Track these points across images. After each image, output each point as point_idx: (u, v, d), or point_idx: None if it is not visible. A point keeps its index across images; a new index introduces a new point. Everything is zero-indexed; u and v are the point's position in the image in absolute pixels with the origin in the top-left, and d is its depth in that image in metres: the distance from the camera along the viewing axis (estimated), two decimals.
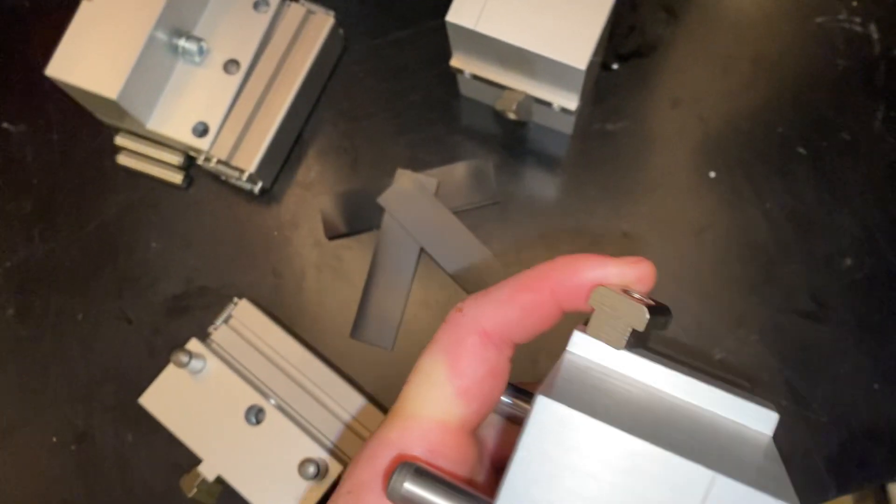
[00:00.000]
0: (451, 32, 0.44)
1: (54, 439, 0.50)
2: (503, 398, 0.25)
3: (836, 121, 0.52)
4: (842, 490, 0.46)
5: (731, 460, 0.20)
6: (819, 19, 0.53)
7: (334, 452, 0.43)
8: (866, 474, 0.47)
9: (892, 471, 0.46)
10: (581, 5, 0.42)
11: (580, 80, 0.43)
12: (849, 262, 0.49)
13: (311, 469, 0.41)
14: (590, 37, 0.41)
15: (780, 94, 0.53)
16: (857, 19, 0.53)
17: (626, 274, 0.23)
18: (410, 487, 0.20)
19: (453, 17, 0.43)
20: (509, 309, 0.24)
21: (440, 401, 0.23)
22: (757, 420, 0.24)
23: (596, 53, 0.48)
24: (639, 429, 0.19)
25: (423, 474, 0.21)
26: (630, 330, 0.22)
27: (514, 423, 0.27)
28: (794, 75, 0.53)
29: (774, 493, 0.19)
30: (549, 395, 0.19)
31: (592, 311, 0.22)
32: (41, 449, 0.50)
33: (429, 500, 0.20)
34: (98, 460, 0.49)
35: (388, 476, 0.21)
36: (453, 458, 0.23)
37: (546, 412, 0.19)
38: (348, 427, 0.45)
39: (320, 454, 0.42)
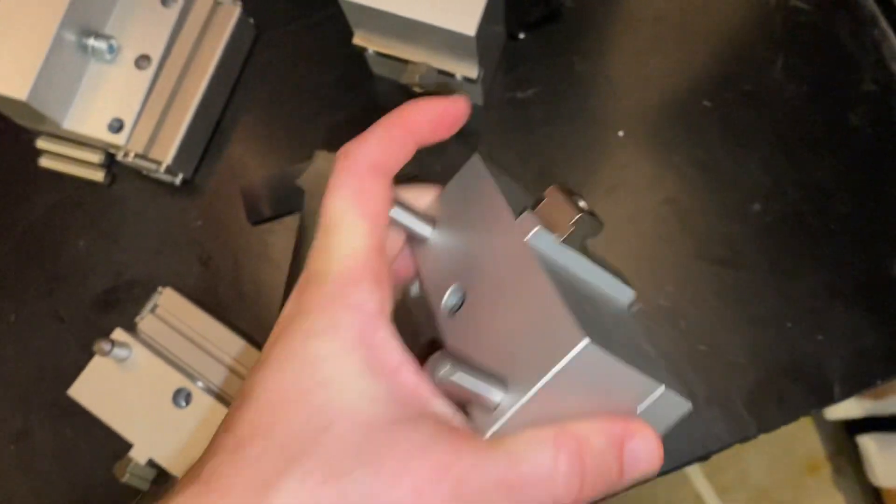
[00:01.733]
0: (346, 10, 0.46)
1: None
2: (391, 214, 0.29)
3: (738, 73, 0.53)
4: (762, 428, 0.48)
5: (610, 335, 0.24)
6: None
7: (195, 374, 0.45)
8: (785, 411, 0.48)
9: (807, 406, 0.48)
10: None
11: (473, 47, 0.44)
12: (757, 207, 0.51)
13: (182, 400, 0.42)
14: (477, 3, 0.43)
15: (684, 50, 0.54)
16: None
17: (445, 105, 0.29)
18: (455, 374, 0.23)
19: None
20: (387, 144, 0.28)
21: (359, 233, 0.26)
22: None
23: (496, 22, 0.50)
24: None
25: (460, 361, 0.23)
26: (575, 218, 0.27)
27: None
28: (696, 31, 0.54)
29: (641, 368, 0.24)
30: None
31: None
32: None
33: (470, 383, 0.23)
34: (38, 457, 0.50)
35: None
36: (385, 283, 0.26)
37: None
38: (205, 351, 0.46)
39: (183, 382, 0.44)
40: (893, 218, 0.50)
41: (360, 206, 0.26)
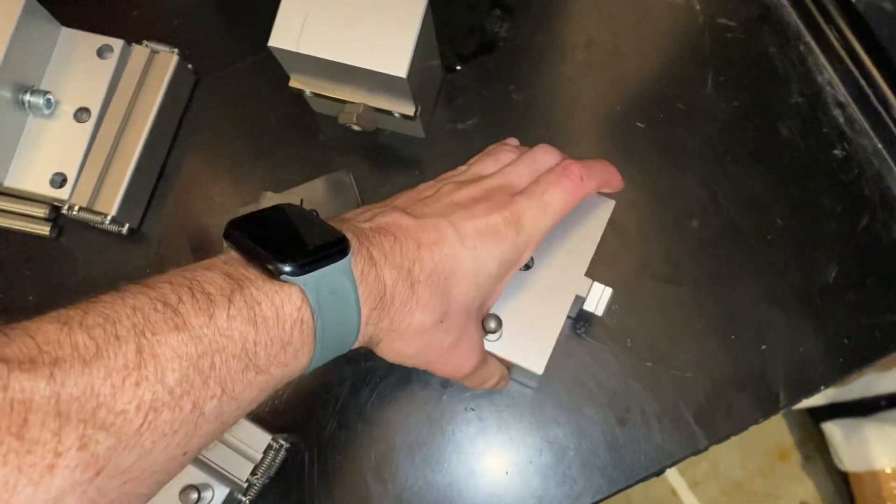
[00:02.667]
0: (277, 56, 0.46)
1: None
2: None
3: (670, 92, 0.55)
4: (712, 440, 0.49)
5: None
6: None
7: (216, 472, 0.45)
8: (733, 422, 0.49)
9: (755, 415, 0.49)
10: (395, 16, 0.44)
11: (406, 87, 0.45)
12: (695, 223, 0.52)
13: (193, 496, 0.42)
14: (406, 45, 0.43)
15: (616, 73, 0.55)
16: None
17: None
18: None
19: (275, 41, 0.44)
20: (598, 181, 0.40)
21: None
22: None
23: (430, 58, 0.50)
24: None
25: None
26: None
27: None
28: (628, 53, 0.56)
29: None
30: None
31: None
32: None
33: None
34: None
35: None
36: None
37: None
38: (234, 451, 0.46)
39: (201, 478, 0.44)
40: (827, 226, 0.52)
41: None
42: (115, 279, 0.52)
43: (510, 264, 0.37)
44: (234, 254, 0.31)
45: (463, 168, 0.41)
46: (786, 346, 0.50)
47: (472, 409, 0.50)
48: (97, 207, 0.51)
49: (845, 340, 0.50)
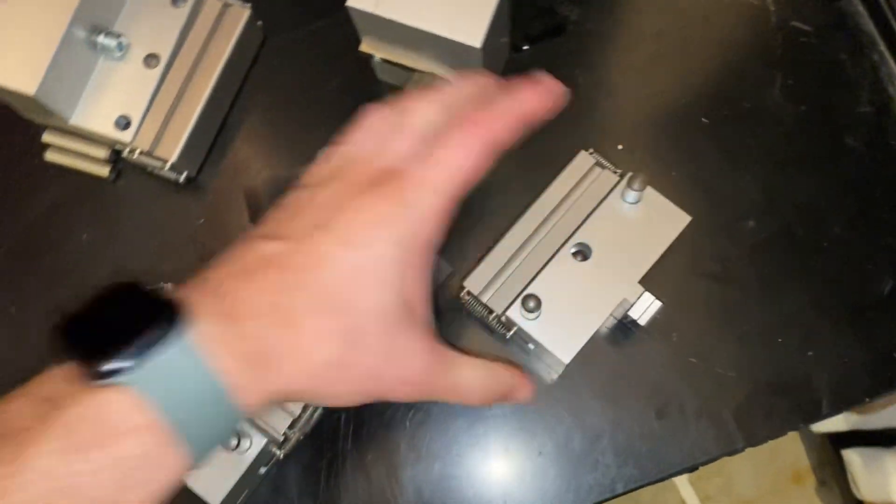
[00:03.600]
0: (354, 17, 0.46)
1: None
2: None
3: (737, 91, 0.54)
4: (750, 442, 0.49)
5: None
6: None
7: (255, 422, 0.45)
8: (773, 425, 0.49)
9: (795, 421, 0.49)
10: None
11: (479, 59, 0.45)
12: (751, 224, 0.52)
13: (233, 442, 0.43)
14: (484, 15, 0.43)
15: (684, 67, 0.55)
16: None
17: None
18: None
19: (353, 1, 0.45)
20: (510, 119, 0.34)
21: None
22: None
23: (501, 34, 0.50)
24: None
25: None
26: None
27: None
28: (696, 49, 0.55)
29: None
30: None
31: None
32: None
33: None
34: None
35: None
36: None
37: None
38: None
39: (241, 427, 0.44)
40: (884, 239, 0.51)
41: None
42: (168, 226, 0.53)
43: (413, 246, 0.30)
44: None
45: (334, 150, 0.34)
46: (832, 354, 0.49)
47: None
48: (158, 153, 0.51)
49: (895, 355, 0.49)
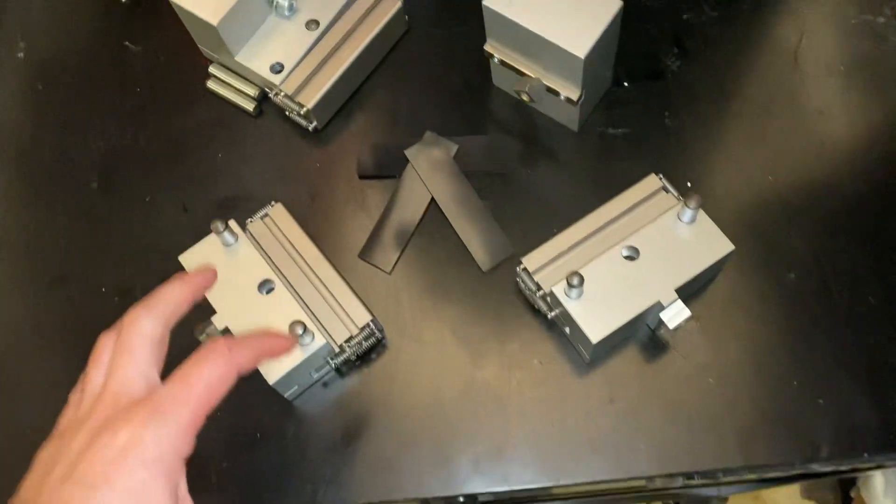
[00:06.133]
0: (486, 16, 0.55)
1: (103, 289, 0.60)
2: None
3: (805, 158, 0.60)
4: (747, 463, 0.52)
5: None
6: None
7: (319, 324, 0.53)
8: (769, 454, 0.52)
9: (792, 457, 0.52)
10: (592, 7, 0.52)
11: (580, 70, 0.53)
12: (792, 276, 0.56)
13: (299, 329, 0.50)
14: (592, 33, 0.51)
15: (760, 129, 0.61)
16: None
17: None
18: None
19: (489, 1, 0.53)
20: (254, 352, 0.37)
21: None
22: None
23: (606, 64, 0.58)
24: None
25: None
26: None
27: None
28: (778, 114, 0.61)
29: None
30: None
31: None
32: (90, 296, 0.60)
33: None
34: None
35: None
36: None
37: None
38: (338, 318, 0.54)
39: (308, 322, 0.52)
40: None
41: None
42: (289, 163, 0.62)
43: (170, 460, 0.32)
44: None
45: (77, 394, 0.36)
46: (842, 408, 0.53)
47: (541, 363, 0.56)
48: (299, 98, 0.61)
49: None
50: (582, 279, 0.50)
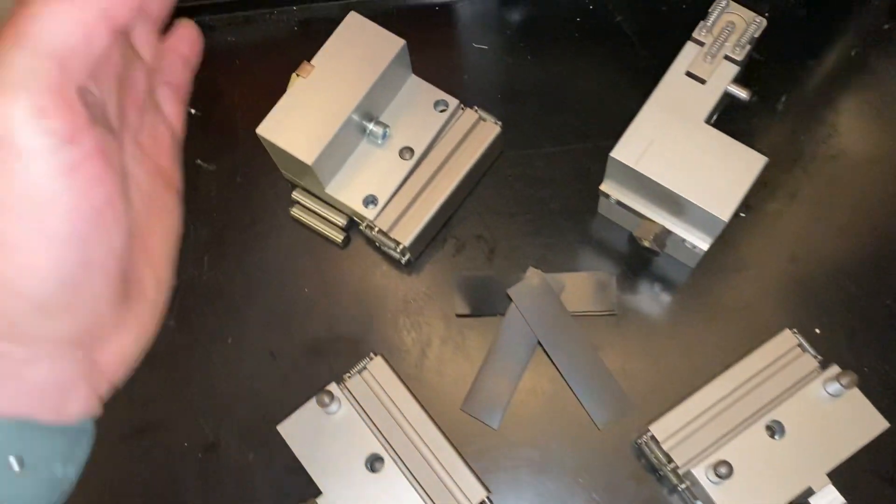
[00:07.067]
0: (610, 165, 0.51)
1: (185, 444, 0.56)
2: None
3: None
4: None
5: None
6: None
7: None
8: None
9: None
10: (734, 164, 0.48)
11: (720, 228, 0.48)
12: None
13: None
14: (736, 193, 0.47)
15: (890, 265, 0.57)
16: None
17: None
18: None
19: (618, 154, 0.49)
20: None
21: None
22: None
23: None
24: None
25: None
26: None
27: None
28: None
29: None
30: None
31: None
32: (172, 450, 0.56)
33: None
34: (220, 471, 0.55)
35: None
36: None
37: None
38: (453, 496, 0.50)
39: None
40: None
41: None
42: (381, 298, 0.58)
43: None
44: None
45: None
46: None
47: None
48: (393, 234, 0.56)
49: None
50: (731, 469, 0.46)
